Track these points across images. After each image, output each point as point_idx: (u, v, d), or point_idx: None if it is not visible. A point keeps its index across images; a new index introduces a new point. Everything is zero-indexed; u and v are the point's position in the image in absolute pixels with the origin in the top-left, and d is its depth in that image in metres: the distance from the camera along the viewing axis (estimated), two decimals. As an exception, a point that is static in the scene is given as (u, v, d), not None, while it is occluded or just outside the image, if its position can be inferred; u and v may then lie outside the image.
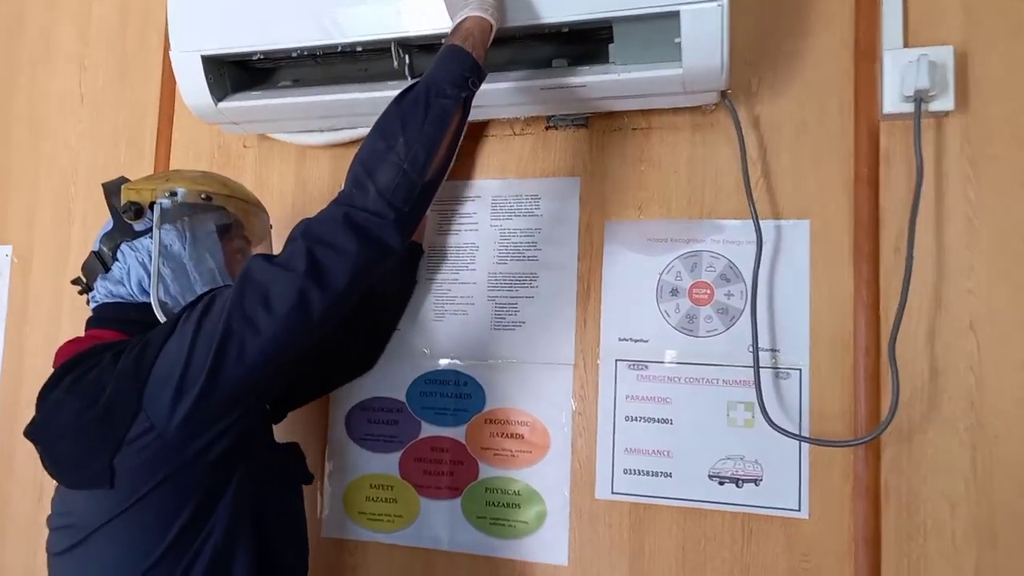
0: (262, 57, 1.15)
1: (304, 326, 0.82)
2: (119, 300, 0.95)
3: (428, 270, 1.24)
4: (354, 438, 1.26)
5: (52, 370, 0.89)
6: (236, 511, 0.87)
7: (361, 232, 0.83)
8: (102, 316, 0.95)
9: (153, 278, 0.93)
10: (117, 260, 0.95)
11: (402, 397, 1.23)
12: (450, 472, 1.20)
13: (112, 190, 0.97)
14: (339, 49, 1.10)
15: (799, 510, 1.04)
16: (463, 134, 0.96)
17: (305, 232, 0.83)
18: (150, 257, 0.94)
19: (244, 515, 0.88)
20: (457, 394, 1.21)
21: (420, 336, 1.24)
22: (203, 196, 1.00)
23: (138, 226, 0.96)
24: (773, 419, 1.02)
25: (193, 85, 1.18)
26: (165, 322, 0.87)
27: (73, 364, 0.86)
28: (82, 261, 0.98)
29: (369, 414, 1.25)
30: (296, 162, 1.34)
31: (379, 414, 1.25)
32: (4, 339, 1.50)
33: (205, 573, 0.84)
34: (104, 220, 1.00)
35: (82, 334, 0.95)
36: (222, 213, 1.02)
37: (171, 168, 1.41)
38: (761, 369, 1.04)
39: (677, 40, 0.96)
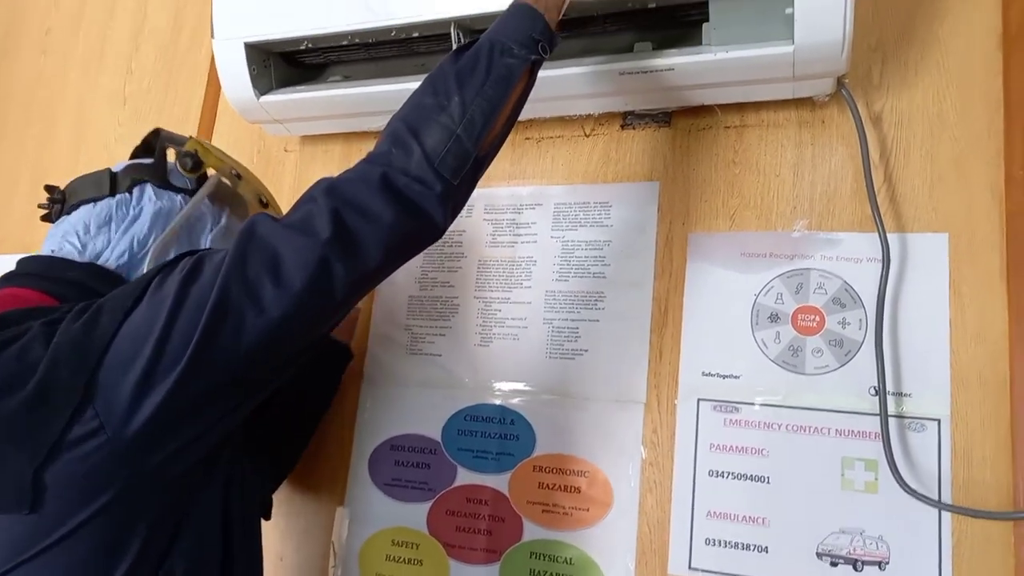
0: (309, 46, 1.05)
1: (322, 307, 0.64)
2: (68, 257, 0.75)
3: (475, 287, 1.07)
4: (377, 483, 1.06)
5: None
6: (199, 544, 0.67)
7: (402, 199, 0.66)
8: (29, 271, 0.73)
9: (165, 235, 0.77)
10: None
11: (437, 436, 1.04)
12: (487, 530, 0.99)
13: (175, 140, 0.85)
14: (392, 34, 0.99)
15: (940, 607, 0.79)
16: (521, 112, 0.79)
17: (329, 191, 0.66)
18: (171, 213, 0.79)
19: (210, 550, 0.68)
20: (502, 434, 1.01)
21: (461, 363, 1.05)
22: (262, 201, 0.89)
23: (176, 180, 0.82)
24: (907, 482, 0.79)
25: (235, 76, 1.08)
26: (125, 285, 0.65)
27: None
28: None
29: (397, 455, 1.06)
30: (339, 168, 1.21)
31: (409, 455, 1.05)
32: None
33: None
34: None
35: None
36: None
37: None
38: (889, 418, 0.83)
39: (788, 10, 0.81)
